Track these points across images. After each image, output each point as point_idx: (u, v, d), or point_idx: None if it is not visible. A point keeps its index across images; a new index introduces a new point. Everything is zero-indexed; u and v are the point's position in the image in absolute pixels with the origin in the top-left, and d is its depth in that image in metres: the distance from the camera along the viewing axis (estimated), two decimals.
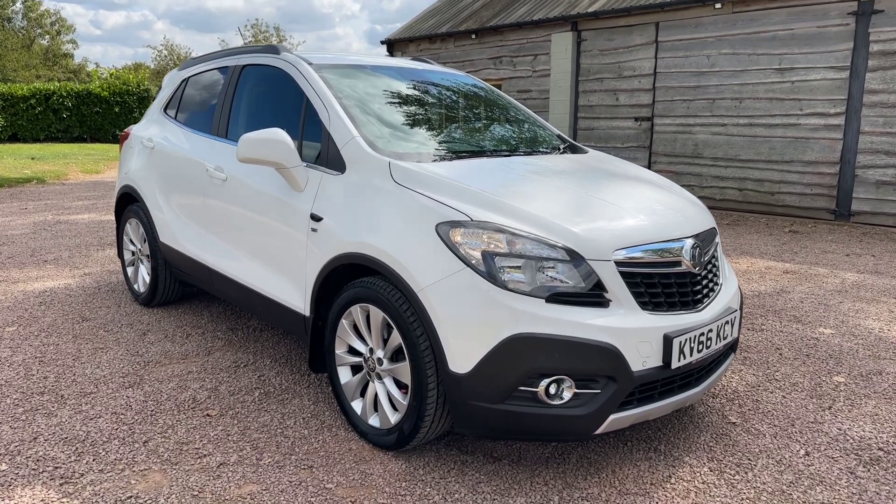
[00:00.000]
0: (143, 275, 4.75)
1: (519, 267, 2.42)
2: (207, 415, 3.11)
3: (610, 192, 2.92)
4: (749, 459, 2.77)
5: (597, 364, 2.36)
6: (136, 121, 20.37)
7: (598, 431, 2.45)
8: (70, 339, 4.08)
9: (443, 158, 3.10)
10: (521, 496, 2.50)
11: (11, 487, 2.51)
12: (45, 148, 19.64)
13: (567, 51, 11.30)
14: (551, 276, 2.42)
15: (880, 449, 2.86)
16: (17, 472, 2.61)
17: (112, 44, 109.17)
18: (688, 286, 2.64)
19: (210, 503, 2.43)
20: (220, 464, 2.69)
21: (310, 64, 3.51)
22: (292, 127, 3.35)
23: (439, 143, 3.42)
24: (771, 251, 6.98)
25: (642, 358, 2.42)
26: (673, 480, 2.61)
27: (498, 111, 4.11)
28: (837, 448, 2.87)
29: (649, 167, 10.45)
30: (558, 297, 2.39)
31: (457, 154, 3.23)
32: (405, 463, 2.71)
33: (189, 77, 4.61)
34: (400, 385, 2.74)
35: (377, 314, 2.71)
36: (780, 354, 3.95)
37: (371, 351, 2.82)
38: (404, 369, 2.62)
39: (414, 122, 3.52)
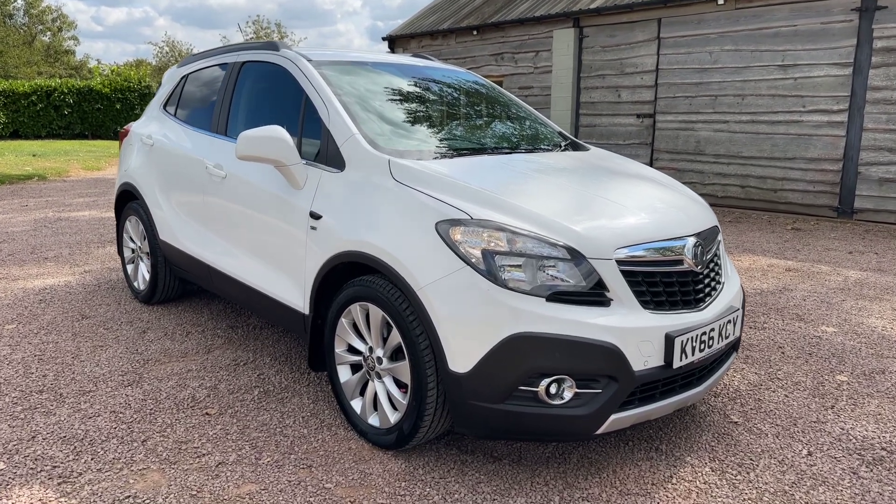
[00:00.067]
0: (143, 272, 4.74)
1: (519, 266, 2.40)
2: (206, 413, 3.10)
3: (611, 190, 2.90)
4: (751, 459, 2.75)
5: (598, 364, 2.34)
6: (137, 117, 20.36)
7: (599, 431, 2.43)
8: (69, 336, 4.07)
9: (443, 156, 3.08)
10: (522, 496, 2.49)
11: (9, 487, 2.49)
12: (47, 145, 19.65)
13: (569, 47, 11.26)
14: (552, 275, 2.40)
15: (883, 449, 2.84)
16: (15, 471, 2.60)
17: (113, 40, 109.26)
18: (690, 285, 2.62)
19: (209, 503, 2.42)
20: (219, 463, 2.68)
21: (309, 60, 3.49)
22: (292, 124, 3.33)
23: (440, 140, 3.39)
24: (773, 249, 6.95)
25: (644, 357, 2.40)
26: (674, 480, 2.60)
27: (499, 108, 4.08)
28: (840, 448, 2.85)
29: (651, 164, 10.42)
30: (559, 296, 2.37)
31: (457, 151, 3.21)
32: (405, 462, 2.69)
33: (189, 74, 4.59)
34: (399, 384, 2.73)
35: (377, 313, 2.69)
36: (783, 353, 3.93)
37: (371, 350, 2.80)
38: (404, 368, 2.61)
39: (414, 119, 3.50)
